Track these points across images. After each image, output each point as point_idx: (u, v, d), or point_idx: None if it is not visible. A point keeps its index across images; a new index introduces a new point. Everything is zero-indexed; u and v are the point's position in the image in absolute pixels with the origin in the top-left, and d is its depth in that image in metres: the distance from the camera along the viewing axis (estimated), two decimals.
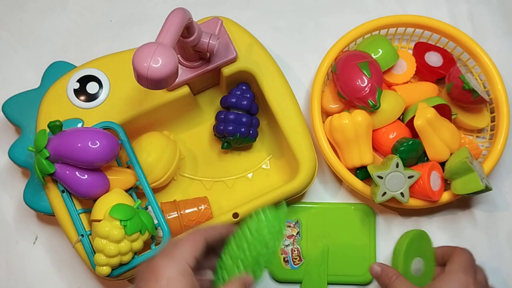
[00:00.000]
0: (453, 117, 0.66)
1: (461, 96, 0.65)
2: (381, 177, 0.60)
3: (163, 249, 0.50)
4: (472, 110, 0.68)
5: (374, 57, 0.66)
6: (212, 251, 0.52)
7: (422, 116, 0.62)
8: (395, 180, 0.61)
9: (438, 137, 0.63)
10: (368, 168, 0.62)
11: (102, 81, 0.64)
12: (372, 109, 0.63)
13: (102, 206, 0.57)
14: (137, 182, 0.62)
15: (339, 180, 0.69)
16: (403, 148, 0.62)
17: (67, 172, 0.57)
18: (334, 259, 0.65)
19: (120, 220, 0.55)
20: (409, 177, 0.61)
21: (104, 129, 0.60)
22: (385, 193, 0.61)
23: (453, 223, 0.68)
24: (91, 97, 0.63)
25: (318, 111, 0.65)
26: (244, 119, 0.65)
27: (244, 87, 0.66)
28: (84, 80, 0.63)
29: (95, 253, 0.57)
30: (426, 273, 0.62)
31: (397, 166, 0.61)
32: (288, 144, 0.63)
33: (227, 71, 0.64)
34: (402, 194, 0.61)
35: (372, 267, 0.59)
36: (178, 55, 0.61)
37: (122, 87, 0.63)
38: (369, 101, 0.62)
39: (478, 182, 0.59)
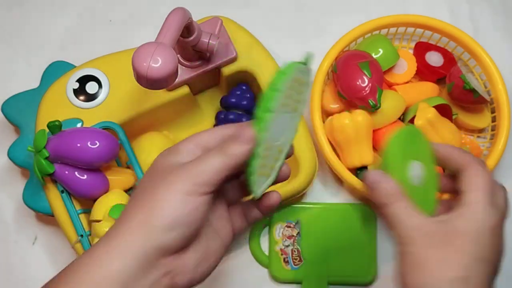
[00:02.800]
0: (454, 117, 0.66)
1: (461, 96, 0.65)
2: None
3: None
4: (473, 110, 0.68)
5: (374, 56, 0.66)
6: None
7: (422, 116, 0.62)
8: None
9: (439, 137, 0.62)
10: (369, 168, 0.61)
11: (101, 81, 0.63)
12: (373, 109, 0.63)
13: (102, 207, 0.57)
14: (137, 182, 0.62)
15: (339, 180, 0.69)
16: None
17: (67, 172, 0.57)
18: (334, 259, 0.65)
19: None
20: None
21: (103, 129, 0.60)
22: None
23: None
24: (91, 97, 0.63)
25: (318, 111, 0.65)
26: (244, 119, 0.65)
27: (244, 87, 0.66)
28: (84, 80, 0.63)
29: None
30: (428, 179, 0.48)
31: None
32: None
33: (227, 71, 0.64)
34: None
35: (368, 175, 0.46)
36: (178, 55, 0.61)
37: (122, 87, 0.63)
38: (370, 101, 0.62)
39: None
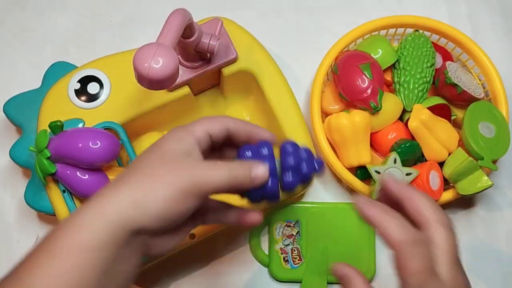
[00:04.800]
0: (453, 117, 0.66)
1: (446, 91, 0.65)
2: (378, 172, 0.61)
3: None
4: None
5: (374, 57, 0.66)
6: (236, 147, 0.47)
7: (416, 118, 0.62)
8: (392, 176, 0.61)
9: (434, 138, 0.63)
10: (367, 165, 0.62)
11: (103, 82, 0.64)
12: (374, 110, 0.63)
13: None
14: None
15: (339, 180, 0.69)
16: (400, 149, 0.62)
17: (68, 172, 0.58)
18: (334, 258, 0.65)
19: None
20: (407, 174, 0.61)
21: (105, 129, 0.60)
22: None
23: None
24: (92, 98, 0.63)
25: (318, 111, 0.65)
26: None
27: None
28: (85, 81, 0.64)
29: None
30: (499, 134, 0.63)
31: (394, 162, 0.61)
32: None
33: (227, 71, 0.64)
34: None
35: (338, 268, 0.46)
36: (179, 56, 0.61)
37: (123, 88, 0.63)
38: (371, 103, 0.63)
39: (487, 179, 0.61)
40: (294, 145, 0.47)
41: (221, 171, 0.41)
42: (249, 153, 0.45)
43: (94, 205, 0.39)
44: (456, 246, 0.43)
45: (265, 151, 0.45)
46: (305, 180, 0.47)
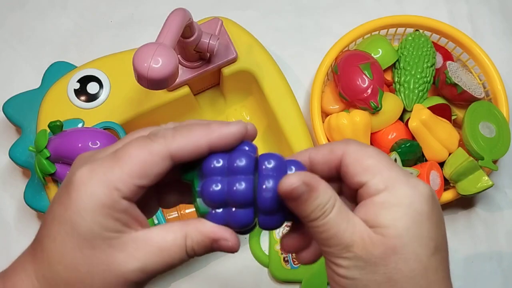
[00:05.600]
0: (453, 117, 0.66)
1: (446, 91, 0.65)
2: None
3: (101, 150, 0.33)
4: None
5: (374, 57, 0.66)
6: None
7: (416, 118, 0.62)
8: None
9: (435, 138, 0.63)
10: None
11: (102, 81, 0.64)
12: (374, 110, 0.63)
13: None
14: None
15: None
16: (400, 149, 0.62)
17: (68, 172, 0.57)
18: None
19: None
20: None
21: (104, 129, 0.60)
22: None
23: (453, 223, 0.69)
24: (92, 97, 0.63)
25: (318, 111, 0.65)
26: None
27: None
28: (85, 80, 0.64)
29: None
30: (499, 134, 0.62)
31: (395, 161, 0.61)
32: (288, 144, 0.64)
33: (227, 71, 0.64)
34: None
35: (285, 182, 0.31)
36: (178, 55, 0.61)
37: (123, 87, 0.63)
38: (371, 103, 0.63)
39: (487, 179, 0.61)
40: (278, 158, 0.33)
41: (195, 132, 0.31)
42: (217, 168, 0.32)
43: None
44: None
45: (241, 164, 0.32)
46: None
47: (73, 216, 0.30)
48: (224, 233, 0.32)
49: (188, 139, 0.31)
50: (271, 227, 0.33)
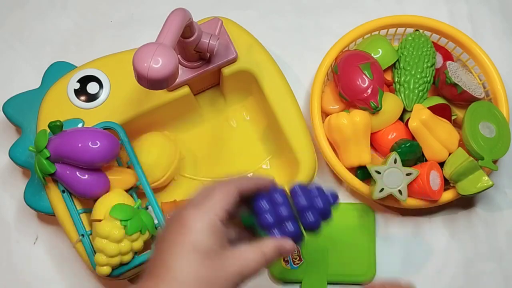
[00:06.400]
0: (453, 117, 0.66)
1: (446, 91, 0.65)
2: (379, 172, 0.61)
3: (193, 199, 0.45)
4: None
5: (374, 57, 0.66)
6: (246, 201, 0.47)
7: (416, 118, 0.62)
8: (393, 176, 0.61)
9: (435, 138, 0.63)
10: (367, 165, 0.62)
11: (102, 81, 0.64)
12: (374, 110, 0.63)
13: (103, 206, 0.57)
14: (138, 182, 0.62)
15: (339, 180, 0.69)
16: (400, 149, 0.62)
17: (68, 172, 0.58)
18: (334, 258, 0.65)
19: (121, 220, 0.55)
20: (407, 174, 0.61)
21: (104, 129, 0.60)
22: (382, 189, 0.61)
23: (453, 223, 0.69)
24: (92, 97, 0.63)
25: (318, 111, 0.65)
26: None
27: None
28: (85, 80, 0.64)
29: (95, 253, 0.57)
30: (499, 134, 0.63)
31: (395, 162, 0.61)
32: (288, 144, 0.64)
33: (227, 71, 0.64)
34: (400, 191, 0.61)
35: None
36: (178, 55, 0.61)
37: (123, 87, 0.63)
38: (371, 103, 0.63)
39: (487, 179, 0.61)
40: (302, 186, 0.47)
41: (227, 187, 0.45)
42: (265, 204, 0.46)
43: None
44: None
45: (279, 198, 0.46)
46: (325, 216, 0.47)
47: (191, 237, 0.42)
48: (284, 240, 0.46)
49: (248, 184, 0.46)
50: (312, 225, 0.47)
